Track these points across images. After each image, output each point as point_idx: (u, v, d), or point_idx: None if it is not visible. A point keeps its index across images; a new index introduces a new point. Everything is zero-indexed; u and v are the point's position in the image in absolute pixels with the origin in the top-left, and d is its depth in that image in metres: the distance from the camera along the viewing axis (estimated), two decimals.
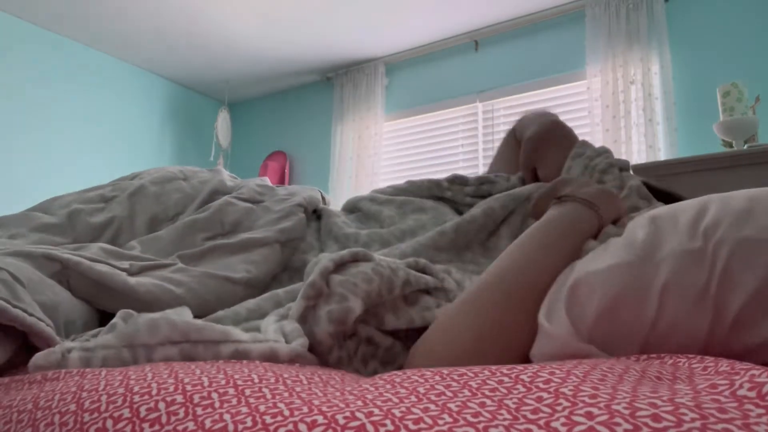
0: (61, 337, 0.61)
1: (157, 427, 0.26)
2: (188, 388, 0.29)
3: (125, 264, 0.72)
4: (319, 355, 0.56)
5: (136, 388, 0.29)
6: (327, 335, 0.55)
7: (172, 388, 0.29)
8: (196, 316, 0.71)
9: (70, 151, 3.54)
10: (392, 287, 0.63)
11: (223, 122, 4.31)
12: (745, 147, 1.72)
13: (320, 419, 0.25)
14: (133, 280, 0.68)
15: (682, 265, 0.42)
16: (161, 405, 0.28)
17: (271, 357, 0.47)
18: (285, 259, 0.87)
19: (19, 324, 0.50)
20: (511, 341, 0.49)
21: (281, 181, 4.09)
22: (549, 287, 0.50)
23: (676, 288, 0.41)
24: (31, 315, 0.52)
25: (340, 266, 0.63)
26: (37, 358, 0.42)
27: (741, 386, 0.24)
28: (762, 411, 0.21)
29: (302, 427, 0.25)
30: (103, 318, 0.72)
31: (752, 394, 0.23)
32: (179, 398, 0.28)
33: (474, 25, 3.30)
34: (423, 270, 0.72)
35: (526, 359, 0.50)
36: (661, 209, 0.48)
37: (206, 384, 0.29)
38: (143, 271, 0.73)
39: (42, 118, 3.41)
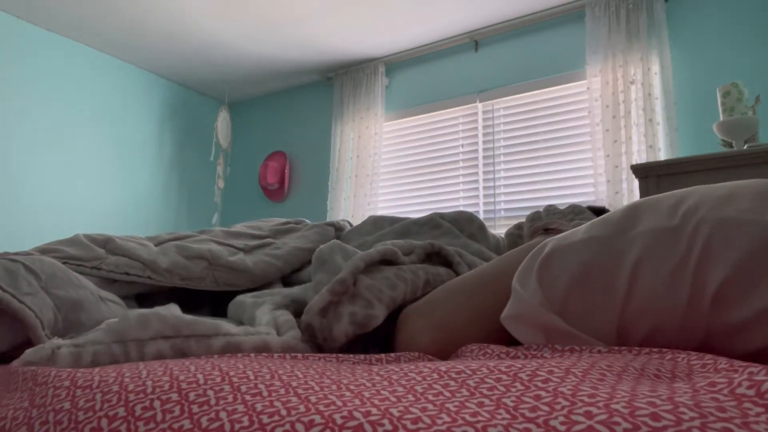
0: (78, 333, 0.63)
1: (152, 426, 0.26)
2: (183, 385, 0.29)
3: (241, 244, 1.00)
4: (324, 349, 0.57)
5: (131, 386, 0.29)
6: (344, 335, 0.56)
7: (167, 386, 0.29)
8: (289, 275, 1.01)
9: (70, 151, 3.54)
10: (416, 290, 0.66)
11: (223, 122, 4.31)
12: (745, 147, 1.72)
13: (317, 419, 0.25)
14: (249, 261, 0.94)
15: (658, 240, 0.42)
16: (156, 403, 0.28)
17: (264, 349, 0.47)
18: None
19: (5, 305, 0.52)
20: (485, 327, 0.56)
21: (281, 181, 4.09)
22: (492, 280, 0.59)
23: (650, 262, 0.42)
24: (20, 302, 0.54)
25: (369, 266, 0.64)
26: (27, 354, 0.42)
27: (740, 384, 0.24)
28: (761, 410, 0.21)
29: (299, 427, 0.24)
30: None
31: (751, 392, 0.23)
32: (174, 396, 0.28)
33: (474, 25, 3.30)
34: (438, 252, 0.75)
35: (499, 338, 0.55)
36: (645, 198, 0.49)
37: (202, 381, 0.29)
38: (253, 250, 1.00)
39: (42, 118, 3.41)
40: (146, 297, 0.91)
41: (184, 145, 4.26)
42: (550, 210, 0.93)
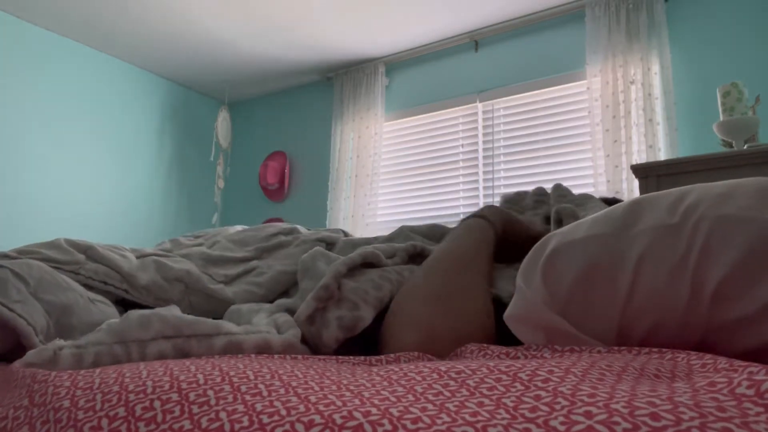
0: (75, 336, 0.63)
1: (152, 426, 0.26)
2: (183, 386, 0.29)
3: (221, 276, 0.95)
4: (319, 353, 0.57)
5: (131, 386, 0.29)
6: (334, 340, 0.56)
7: (167, 386, 0.29)
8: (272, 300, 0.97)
9: (70, 151, 3.54)
10: None
11: (223, 122, 4.31)
12: (745, 147, 1.72)
13: (317, 419, 0.25)
14: (229, 292, 0.91)
15: (659, 238, 0.42)
16: (157, 404, 0.28)
17: (265, 347, 0.48)
18: None
19: None
20: (463, 317, 0.58)
21: (281, 181, 4.09)
22: (451, 268, 0.63)
23: (651, 260, 0.42)
24: (11, 311, 0.54)
25: (352, 270, 0.64)
26: (29, 355, 0.42)
27: (740, 384, 0.24)
28: (761, 409, 0.21)
29: (299, 426, 0.24)
30: None
31: (751, 392, 0.23)
32: (175, 396, 0.28)
33: (474, 25, 3.30)
34: (420, 253, 0.77)
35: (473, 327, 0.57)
36: (642, 195, 0.49)
37: (202, 381, 0.29)
38: (234, 280, 0.96)
39: (43, 118, 3.41)
40: (130, 302, 0.90)
41: (184, 145, 4.26)
42: (558, 190, 0.93)
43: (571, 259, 0.46)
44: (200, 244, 1.13)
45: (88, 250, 0.84)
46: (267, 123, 4.39)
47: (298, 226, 1.18)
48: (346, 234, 1.21)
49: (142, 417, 0.27)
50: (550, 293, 0.46)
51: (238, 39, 3.54)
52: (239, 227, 1.28)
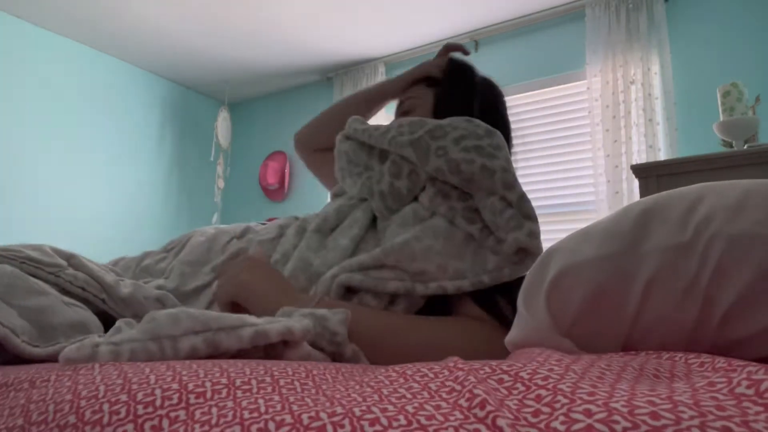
0: (57, 336, 0.63)
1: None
2: (185, 381, 0.29)
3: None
4: (333, 345, 0.59)
5: (135, 387, 0.29)
6: (339, 324, 0.58)
7: (175, 390, 0.29)
8: None
9: (70, 151, 3.54)
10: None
11: (223, 122, 4.31)
12: (745, 147, 1.72)
13: (313, 421, 0.25)
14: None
15: (670, 258, 0.40)
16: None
17: (288, 334, 0.50)
18: None
19: None
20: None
21: (281, 181, 4.09)
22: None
23: (661, 283, 0.40)
24: None
25: None
26: (69, 351, 0.42)
27: (739, 384, 0.24)
28: (760, 408, 0.21)
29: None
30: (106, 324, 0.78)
31: (750, 391, 0.23)
32: (175, 386, 0.28)
33: (474, 25, 3.30)
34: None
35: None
36: (651, 199, 0.46)
37: (209, 386, 0.29)
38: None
39: (42, 118, 3.41)
40: (109, 315, 0.88)
41: (184, 145, 4.26)
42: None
43: (578, 283, 0.44)
44: (164, 269, 1.10)
45: (71, 258, 0.84)
46: (267, 123, 4.39)
47: (252, 224, 1.11)
48: (297, 218, 1.12)
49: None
50: (553, 318, 0.44)
51: (239, 39, 3.54)
52: (210, 230, 1.23)
